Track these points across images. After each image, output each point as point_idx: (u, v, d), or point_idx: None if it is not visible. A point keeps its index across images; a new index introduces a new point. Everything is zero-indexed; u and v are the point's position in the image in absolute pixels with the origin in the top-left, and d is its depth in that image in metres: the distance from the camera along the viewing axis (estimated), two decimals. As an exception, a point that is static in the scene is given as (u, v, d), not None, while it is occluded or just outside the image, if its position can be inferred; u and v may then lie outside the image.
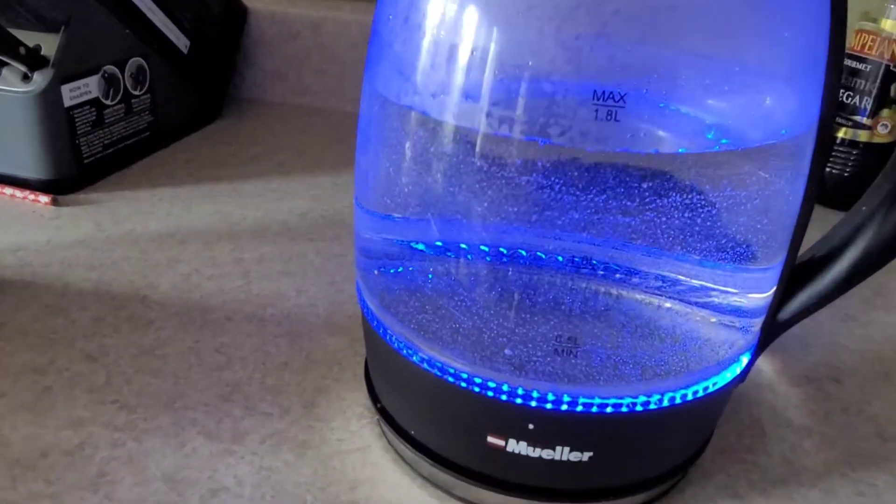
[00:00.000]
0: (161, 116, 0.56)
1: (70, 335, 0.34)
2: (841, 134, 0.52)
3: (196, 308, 0.37)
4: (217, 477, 0.27)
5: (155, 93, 0.55)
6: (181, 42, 0.58)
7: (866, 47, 0.50)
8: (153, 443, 0.29)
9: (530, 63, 0.18)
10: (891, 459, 0.30)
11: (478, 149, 0.20)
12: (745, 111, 0.20)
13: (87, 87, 0.48)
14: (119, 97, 0.52)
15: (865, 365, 0.36)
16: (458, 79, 0.19)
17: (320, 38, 0.66)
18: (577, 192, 0.19)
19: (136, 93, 0.53)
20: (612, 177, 0.19)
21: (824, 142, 0.24)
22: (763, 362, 0.36)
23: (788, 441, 0.31)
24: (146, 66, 0.54)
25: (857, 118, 0.51)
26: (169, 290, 0.39)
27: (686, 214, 0.20)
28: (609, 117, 0.18)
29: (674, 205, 0.20)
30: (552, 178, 0.19)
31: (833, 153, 0.52)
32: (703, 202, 0.21)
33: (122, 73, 0.52)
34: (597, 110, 0.18)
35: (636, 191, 0.19)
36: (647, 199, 0.19)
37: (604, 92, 0.18)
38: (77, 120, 0.48)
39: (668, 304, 0.22)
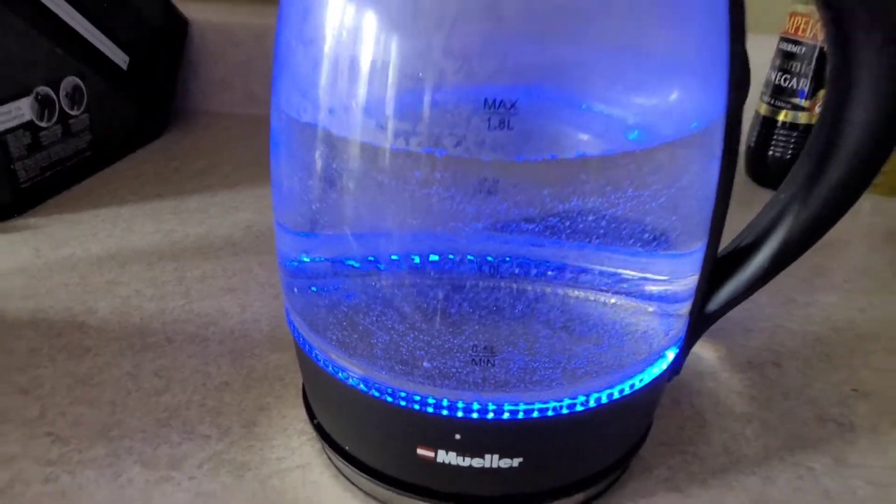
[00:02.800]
0: (102, 135, 0.55)
1: (3, 367, 0.34)
2: (781, 117, 0.52)
3: (135, 332, 0.37)
4: (152, 506, 0.27)
5: (94, 111, 0.54)
6: (119, 57, 0.57)
7: (800, 30, 0.50)
8: (88, 475, 0.28)
9: (420, 75, 0.18)
10: (829, 441, 0.30)
11: (378, 163, 0.19)
12: (649, 109, 0.20)
13: (20, 110, 0.47)
14: (55, 118, 0.50)
15: (806, 347, 0.36)
16: (352, 94, 0.19)
17: (264, 47, 0.66)
18: (479, 203, 0.19)
19: (74, 113, 0.52)
20: (512, 185, 0.19)
21: (734, 130, 0.24)
22: (705, 350, 0.36)
23: (729, 429, 0.31)
24: (82, 85, 0.53)
25: (796, 100, 0.52)
26: (108, 315, 0.38)
27: (591, 219, 0.20)
28: (502, 126, 0.18)
29: (581, 208, 0.20)
30: (452, 190, 0.19)
31: (774, 136, 0.53)
32: (612, 203, 0.20)
33: (57, 93, 0.51)
34: (489, 119, 0.18)
35: (538, 197, 0.19)
36: (550, 205, 0.19)
37: (494, 101, 0.18)
38: (10, 145, 0.47)
39: (585, 302, 0.22)
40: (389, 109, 0.19)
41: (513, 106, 0.18)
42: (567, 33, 0.18)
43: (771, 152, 0.53)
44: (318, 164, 0.21)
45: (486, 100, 0.18)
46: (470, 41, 0.18)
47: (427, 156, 0.19)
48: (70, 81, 0.52)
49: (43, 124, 0.50)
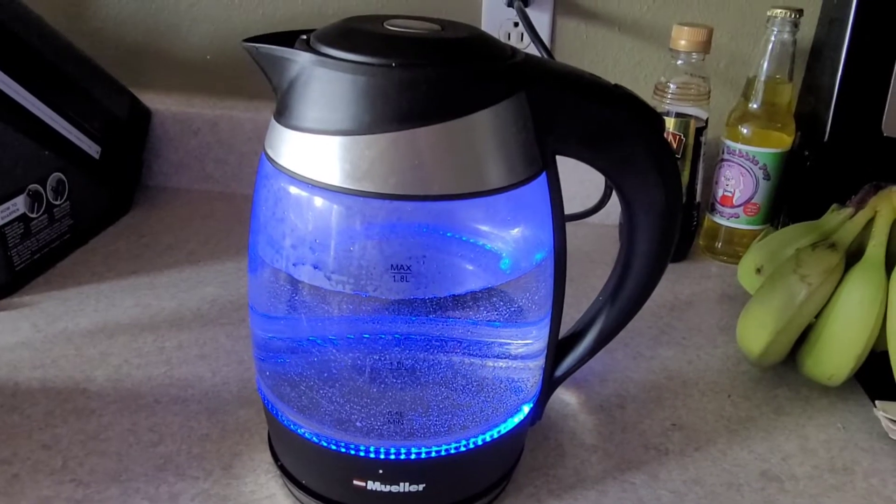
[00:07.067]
0: (80, 218, 0.64)
1: (27, 429, 0.43)
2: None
3: (129, 395, 0.46)
4: (160, 530, 0.37)
5: (73, 199, 0.63)
6: (92, 149, 0.67)
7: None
8: (107, 510, 0.38)
9: (351, 249, 0.29)
10: (648, 463, 0.43)
11: (325, 298, 0.31)
12: (499, 263, 0.32)
13: (15, 206, 0.56)
14: (42, 209, 0.60)
15: (644, 392, 0.49)
16: (309, 257, 0.30)
17: (218, 134, 0.76)
18: (389, 321, 0.30)
19: (57, 202, 0.61)
20: (408, 311, 0.30)
21: (562, 257, 0.36)
22: (570, 397, 0.48)
23: (580, 457, 0.43)
24: (65, 178, 0.62)
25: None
26: (104, 382, 0.47)
27: (467, 320, 0.32)
28: (402, 279, 0.29)
29: (459, 316, 0.31)
30: (374, 315, 0.30)
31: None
32: (483, 315, 0.32)
33: (44, 188, 0.60)
34: (394, 276, 0.29)
35: (424, 315, 0.31)
36: (432, 320, 0.31)
37: (395, 265, 0.29)
38: (8, 236, 0.56)
39: (463, 374, 0.33)
40: (332, 268, 0.30)
41: (408, 269, 0.29)
42: (440, 227, 0.30)
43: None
44: (285, 296, 0.32)
45: (391, 265, 0.29)
46: (382, 231, 0.29)
47: (356, 295, 0.30)
48: (55, 177, 0.61)
49: (33, 215, 0.59)
